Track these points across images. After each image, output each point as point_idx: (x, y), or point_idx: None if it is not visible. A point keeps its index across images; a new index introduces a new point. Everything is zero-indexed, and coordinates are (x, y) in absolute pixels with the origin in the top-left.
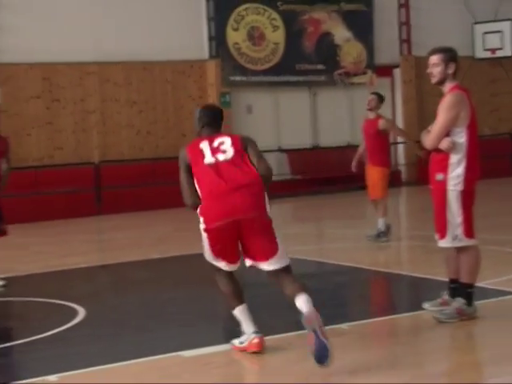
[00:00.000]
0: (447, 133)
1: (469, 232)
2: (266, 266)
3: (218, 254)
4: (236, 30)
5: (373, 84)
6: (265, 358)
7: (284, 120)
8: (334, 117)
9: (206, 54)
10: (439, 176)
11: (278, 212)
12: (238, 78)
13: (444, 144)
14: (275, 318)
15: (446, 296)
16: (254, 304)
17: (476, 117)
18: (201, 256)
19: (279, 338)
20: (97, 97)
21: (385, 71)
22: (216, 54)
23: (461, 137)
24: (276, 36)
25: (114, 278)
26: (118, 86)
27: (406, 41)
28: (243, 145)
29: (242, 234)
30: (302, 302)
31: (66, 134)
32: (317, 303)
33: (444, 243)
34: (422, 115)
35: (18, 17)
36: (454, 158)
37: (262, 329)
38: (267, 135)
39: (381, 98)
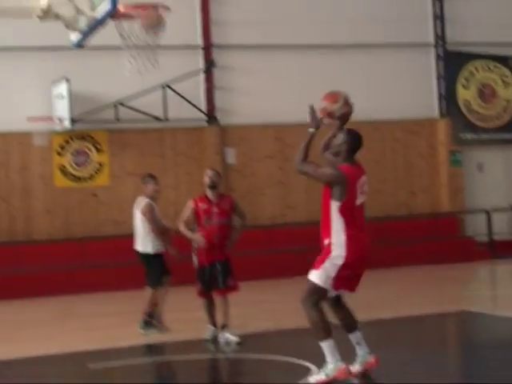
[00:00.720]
0: None
1: None
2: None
3: (341, 283)
4: (466, 87)
5: None
6: None
7: None
8: None
9: (436, 113)
10: None
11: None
12: (468, 136)
13: None
14: None
15: None
16: None
17: None
18: (427, 318)
19: None
20: None
21: None
22: (446, 113)
23: None
24: (508, 93)
25: (346, 337)
26: None
27: None
28: None
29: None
30: (362, 339)
31: (297, 194)
32: None
33: None
34: None
35: (250, 79)
36: None
37: None
38: (499, 193)
39: None
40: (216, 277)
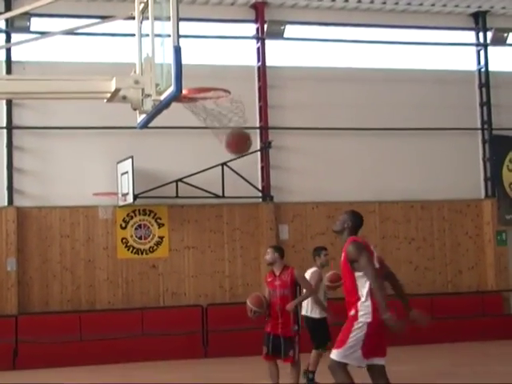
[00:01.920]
0: None
1: None
2: (382, 361)
3: (371, 350)
4: (511, 170)
5: None
6: None
7: None
8: None
9: (482, 194)
10: None
11: None
12: None
13: None
14: None
15: None
16: None
17: None
18: None
19: None
20: (377, 233)
21: None
22: (492, 194)
23: None
24: None
25: None
26: (397, 223)
27: None
28: None
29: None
30: None
31: None
32: None
33: None
34: None
35: (304, 159)
36: None
37: None
38: None
39: None
40: (279, 347)
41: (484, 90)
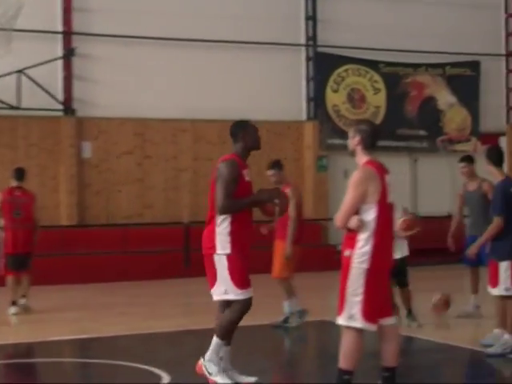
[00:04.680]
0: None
1: (366, 314)
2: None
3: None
4: (336, 91)
5: (476, 151)
6: None
7: None
8: (434, 185)
9: (303, 116)
10: (347, 252)
11: None
12: (336, 142)
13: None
14: None
15: None
16: None
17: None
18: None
19: None
20: (189, 155)
21: (490, 139)
22: (314, 116)
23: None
24: (377, 99)
25: (200, 344)
26: (211, 144)
27: None
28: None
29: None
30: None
31: (156, 192)
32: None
33: (340, 320)
34: None
35: (112, 70)
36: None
37: None
38: None
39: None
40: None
41: (310, 2)
